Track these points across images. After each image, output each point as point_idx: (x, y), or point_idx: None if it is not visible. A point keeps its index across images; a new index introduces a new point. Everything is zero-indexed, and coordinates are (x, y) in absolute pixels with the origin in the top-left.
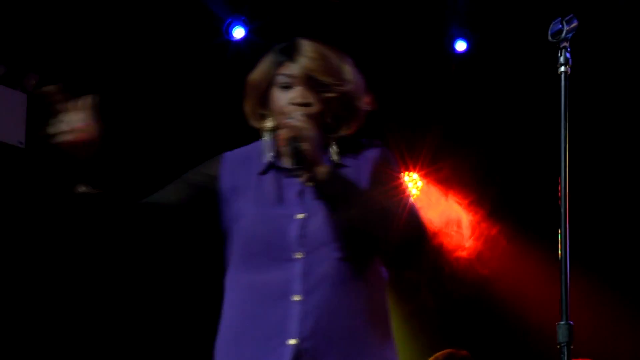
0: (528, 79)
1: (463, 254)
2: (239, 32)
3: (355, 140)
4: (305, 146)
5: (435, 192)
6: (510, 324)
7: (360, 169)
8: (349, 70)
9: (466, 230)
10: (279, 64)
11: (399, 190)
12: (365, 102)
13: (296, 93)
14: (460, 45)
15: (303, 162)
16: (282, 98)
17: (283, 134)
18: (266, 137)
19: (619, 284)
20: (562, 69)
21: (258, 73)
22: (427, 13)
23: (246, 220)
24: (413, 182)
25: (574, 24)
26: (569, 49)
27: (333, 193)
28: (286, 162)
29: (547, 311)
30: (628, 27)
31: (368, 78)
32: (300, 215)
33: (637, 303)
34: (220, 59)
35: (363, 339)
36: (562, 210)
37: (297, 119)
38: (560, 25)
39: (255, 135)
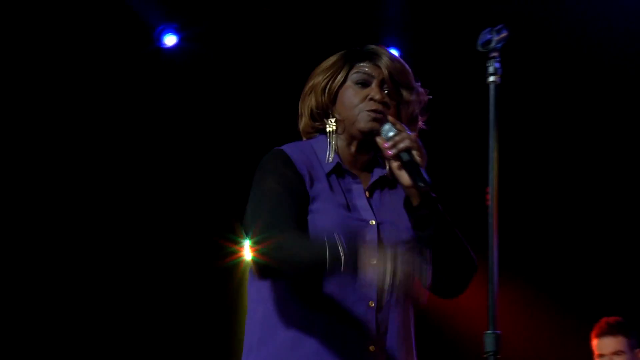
0: (459, 88)
1: None
2: (170, 40)
3: None
4: (417, 155)
5: None
6: (439, 333)
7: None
8: (415, 83)
9: None
10: (354, 62)
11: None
12: (423, 118)
13: (374, 90)
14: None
15: (415, 171)
16: (359, 94)
17: (381, 142)
18: (330, 139)
19: (547, 292)
20: (492, 78)
21: (328, 70)
22: (358, 20)
23: (324, 223)
24: None
25: (504, 34)
26: (498, 59)
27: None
28: (349, 165)
29: (475, 320)
30: (557, 36)
31: (301, 84)
32: (373, 222)
33: (565, 312)
34: (152, 66)
35: (410, 349)
36: (491, 219)
37: (402, 134)
38: (490, 35)
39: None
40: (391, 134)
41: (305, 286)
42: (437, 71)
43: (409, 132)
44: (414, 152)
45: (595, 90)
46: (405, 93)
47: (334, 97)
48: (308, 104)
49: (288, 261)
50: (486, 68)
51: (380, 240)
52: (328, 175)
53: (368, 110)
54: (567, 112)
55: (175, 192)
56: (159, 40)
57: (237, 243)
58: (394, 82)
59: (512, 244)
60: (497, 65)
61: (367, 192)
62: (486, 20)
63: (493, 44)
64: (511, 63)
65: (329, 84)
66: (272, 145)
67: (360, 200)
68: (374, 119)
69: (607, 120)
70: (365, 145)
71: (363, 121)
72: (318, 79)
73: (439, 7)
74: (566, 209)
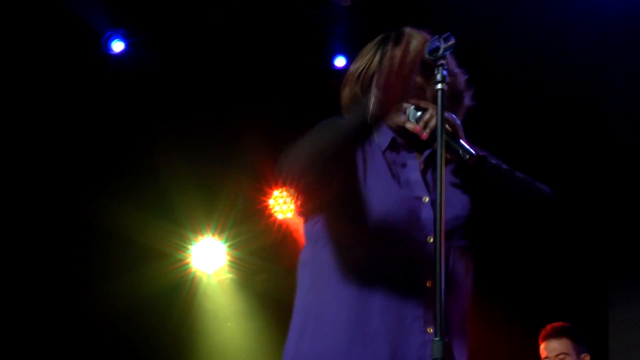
0: None
1: None
2: (118, 46)
3: None
4: (450, 127)
5: None
6: None
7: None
8: (452, 63)
9: None
10: (385, 51)
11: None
12: (468, 97)
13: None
14: (340, 61)
15: (455, 145)
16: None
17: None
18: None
19: (495, 298)
20: (439, 86)
21: (362, 62)
22: (307, 29)
23: (378, 201)
24: (291, 198)
25: (451, 42)
26: (446, 67)
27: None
28: (404, 139)
29: None
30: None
31: (248, 90)
32: (426, 199)
33: (513, 317)
34: (99, 73)
35: (465, 335)
36: (438, 227)
37: (429, 113)
38: (438, 43)
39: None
40: (419, 113)
41: (356, 263)
42: None
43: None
44: (447, 127)
45: (529, 97)
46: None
47: (368, 85)
48: (345, 95)
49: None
50: (434, 75)
51: (434, 219)
52: (383, 151)
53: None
54: (505, 122)
55: (116, 198)
56: (106, 46)
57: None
58: (425, 65)
59: None
60: (445, 73)
61: (421, 165)
62: (434, 28)
63: (441, 52)
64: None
65: (363, 72)
66: (219, 150)
67: (415, 176)
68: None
69: (550, 132)
70: None
71: (396, 115)
72: (351, 69)
73: (388, 17)
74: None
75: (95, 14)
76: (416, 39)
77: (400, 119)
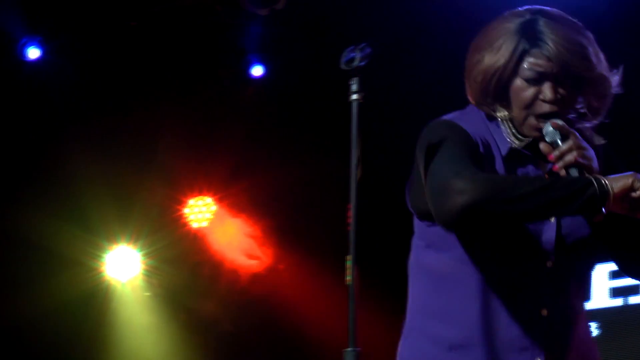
0: (324, 105)
1: (255, 279)
2: (34, 53)
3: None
4: (586, 169)
5: (228, 217)
6: (300, 351)
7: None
8: (598, 53)
9: (258, 256)
10: (523, 52)
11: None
12: (613, 85)
13: (546, 88)
14: (257, 70)
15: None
16: (528, 91)
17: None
18: (504, 126)
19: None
20: (355, 96)
21: (497, 59)
22: (225, 36)
23: None
24: (207, 207)
25: (367, 52)
26: (361, 77)
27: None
28: (528, 147)
29: (337, 338)
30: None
31: (164, 99)
32: (553, 218)
33: None
34: (14, 80)
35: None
36: (352, 236)
37: (568, 144)
38: (354, 54)
39: None
40: (557, 139)
41: (476, 251)
42: (302, 89)
43: (579, 140)
44: (584, 166)
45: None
46: (586, 79)
47: (503, 88)
48: (476, 78)
49: (504, 190)
50: (349, 86)
51: (559, 238)
52: (505, 159)
53: (536, 115)
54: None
55: (29, 205)
56: (21, 53)
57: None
58: (570, 75)
59: (373, 261)
60: (361, 83)
61: (547, 177)
62: (349, 39)
63: (356, 62)
64: (374, 81)
65: (499, 75)
66: (134, 158)
67: None
68: (538, 129)
69: None
70: None
71: (528, 128)
72: (488, 60)
73: (306, 26)
74: None
75: (11, 20)
76: (558, 38)
77: (532, 131)
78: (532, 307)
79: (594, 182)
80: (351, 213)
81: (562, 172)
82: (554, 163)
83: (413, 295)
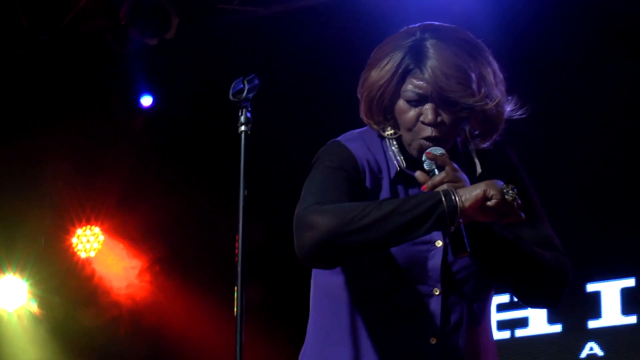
0: (213, 135)
1: (142, 309)
2: None
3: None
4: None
5: (116, 247)
6: None
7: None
8: (489, 78)
9: (145, 283)
10: (405, 72)
11: (536, 208)
12: (505, 102)
13: (427, 111)
14: (147, 100)
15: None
16: (410, 113)
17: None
18: (391, 145)
19: (294, 328)
20: (243, 127)
21: (381, 76)
22: (115, 65)
23: None
24: (95, 236)
25: (255, 84)
26: (249, 109)
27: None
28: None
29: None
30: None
31: (52, 128)
32: (439, 243)
33: None
34: None
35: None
36: (239, 267)
37: (441, 176)
38: (242, 85)
39: None
40: (434, 169)
41: (361, 277)
42: (191, 119)
43: (454, 172)
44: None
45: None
46: (467, 104)
47: (388, 107)
48: (363, 95)
49: (350, 222)
50: (237, 117)
51: (445, 265)
52: (393, 181)
53: (421, 139)
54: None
55: None
56: None
57: None
58: (449, 100)
59: (261, 290)
60: (249, 114)
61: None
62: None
63: (245, 94)
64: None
65: (382, 92)
66: (21, 186)
67: None
68: (422, 152)
69: None
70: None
71: (414, 150)
72: (373, 76)
73: (193, 56)
74: None
75: None
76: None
77: (418, 154)
78: (421, 336)
79: (443, 198)
80: (238, 243)
81: None
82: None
83: (311, 316)
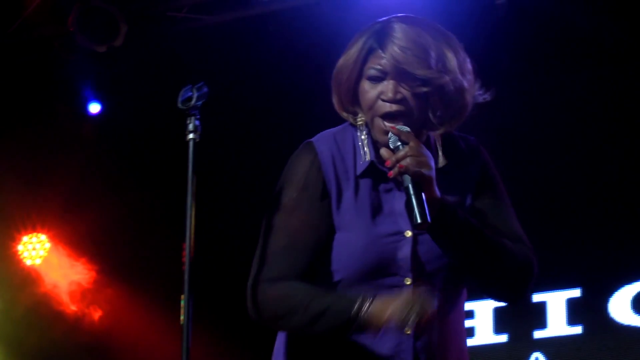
0: (161, 143)
1: (87, 318)
2: None
3: (451, 136)
4: (418, 176)
5: (63, 254)
6: None
7: (466, 176)
8: (449, 57)
9: (91, 290)
10: (368, 52)
11: (505, 204)
12: (472, 92)
13: (386, 87)
14: (94, 108)
15: (412, 202)
16: (372, 92)
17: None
18: (361, 135)
19: (241, 340)
20: (191, 135)
21: (347, 60)
22: (63, 72)
23: (350, 239)
24: (41, 244)
25: (204, 92)
26: (198, 116)
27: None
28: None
29: None
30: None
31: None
32: (409, 233)
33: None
34: None
35: None
36: (187, 276)
37: (404, 151)
38: (190, 93)
39: None
40: (398, 145)
41: (332, 272)
42: (139, 127)
43: (417, 147)
44: (417, 174)
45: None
46: (426, 80)
47: (354, 92)
48: (334, 85)
49: (282, 318)
50: (186, 125)
51: (415, 255)
52: (361, 176)
53: (381, 116)
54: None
55: None
56: None
57: None
58: (408, 75)
59: (209, 300)
60: (197, 122)
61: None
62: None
63: (193, 102)
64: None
65: (348, 75)
66: None
67: (398, 205)
68: (386, 132)
69: None
70: None
71: (377, 132)
72: (341, 62)
73: (142, 63)
74: None
75: None
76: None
77: (381, 135)
78: (396, 325)
79: (359, 313)
80: (186, 252)
81: (397, 177)
82: (389, 169)
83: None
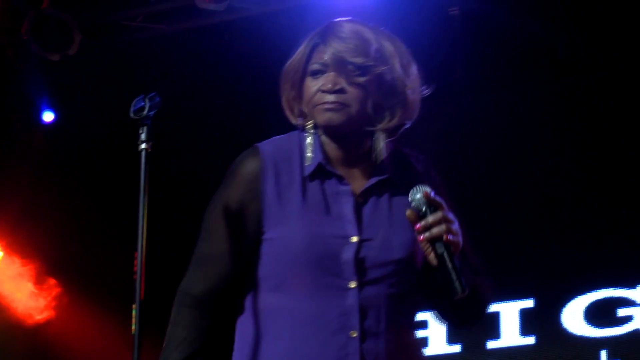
0: (115, 152)
1: (39, 328)
2: None
3: (398, 149)
4: (453, 245)
5: (15, 263)
6: None
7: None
8: (390, 50)
9: (43, 300)
10: (312, 49)
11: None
12: (414, 86)
13: (326, 79)
14: (48, 116)
15: (449, 271)
16: (313, 86)
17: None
18: (309, 137)
19: None
20: (143, 145)
21: (293, 60)
22: (16, 81)
23: (293, 236)
24: None
25: (157, 101)
26: (150, 126)
27: (387, 211)
28: (337, 164)
29: None
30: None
31: None
32: (355, 238)
33: None
34: None
35: None
36: (138, 286)
37: (437, 216)
38: (143, 103)
39: None
40: (424, 208)
41: (275, 274)
42: (93, 136)
43: (446, 213)
44: (453, 243)
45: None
46: (364, 68)
47: (299, 91)
48: (282, 87)
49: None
50: (138, 135)
51: (359, 260)
52: (308, 178)
53: (320, 106)
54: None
55: None
56: None
57: None
58: (346, 61)
59: (158, 307)
60: (150, 132)
61: (359, 198)
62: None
63: (146, 112)
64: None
65: (293, 74)
66: None
67: (346, 209)
68: (327, 110)
69: None
70: (352, 139)
71: (319, 117)
72: (287, 65)
73: (96, 72)
74: None
75: None
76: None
77: (321, 114)
78: (341, 328)
79: None
80: (137, 261)
81: (426, 246)
82: (418, 233)
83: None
